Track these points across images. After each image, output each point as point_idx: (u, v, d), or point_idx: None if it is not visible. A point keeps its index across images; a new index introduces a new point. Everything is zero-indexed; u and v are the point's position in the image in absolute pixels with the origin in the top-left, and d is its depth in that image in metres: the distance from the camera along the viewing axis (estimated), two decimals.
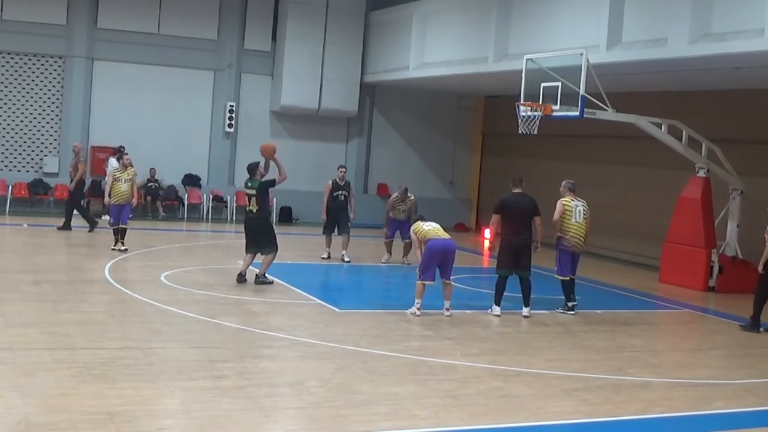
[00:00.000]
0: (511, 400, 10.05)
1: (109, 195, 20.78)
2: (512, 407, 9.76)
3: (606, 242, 26.03)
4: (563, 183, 16.61)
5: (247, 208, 17.32)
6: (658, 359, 13.06)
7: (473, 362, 11.68)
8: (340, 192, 21.03)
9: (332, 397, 9.67)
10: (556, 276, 16.28)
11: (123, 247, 20.13)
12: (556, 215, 16.13)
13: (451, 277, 15.08)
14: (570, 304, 16.23)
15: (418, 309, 14.77)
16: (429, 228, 15.10)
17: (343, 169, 21.62)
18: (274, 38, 30.43)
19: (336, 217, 20.97)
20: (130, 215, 20.98)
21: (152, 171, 28.64)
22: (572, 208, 16.18)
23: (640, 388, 11.01)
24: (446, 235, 15.06)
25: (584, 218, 16.28)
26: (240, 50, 30.14)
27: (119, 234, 20.36)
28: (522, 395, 10.26)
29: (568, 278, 16.20)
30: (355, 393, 9.86)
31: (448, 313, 15.00)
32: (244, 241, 17.15)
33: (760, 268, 15.57)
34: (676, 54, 17.75)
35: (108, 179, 21.54)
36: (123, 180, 20.57)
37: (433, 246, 14.74)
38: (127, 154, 22.28)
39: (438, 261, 14.82)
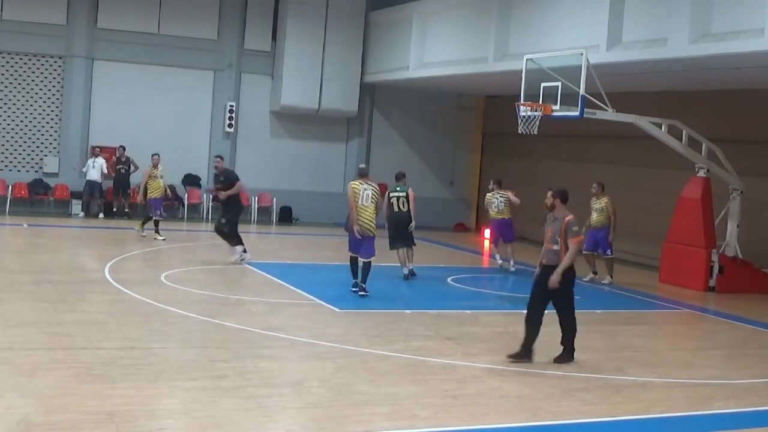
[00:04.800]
0: (511, 400, 10.05)
1: (145, 192, 23.45)
2: (512, 407, 9.76)
3: None
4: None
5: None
6: (658, 359, 13.05)
7: (473, 362, 11.68)
8: None
9: (332, 397, 9.67)
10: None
11: (162, 237, 22.89)
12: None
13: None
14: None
15: None
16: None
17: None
18: (274, 38, 30.43)
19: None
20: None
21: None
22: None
23: (640, 388, 11.01)
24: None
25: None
26: (240, 50, 30.14)
27: (157, 225, 23.10)
28: (522, 395, 10.26)
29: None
30: (355, 393, 9.86)
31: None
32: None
33: None
34: (676, 54, 17.74)
35: (144, 178, 23.75)
36: (158, 176, 23.40)
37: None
38: (157, 154, 24.03)
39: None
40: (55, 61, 28.47)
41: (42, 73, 28.39)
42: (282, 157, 30.38)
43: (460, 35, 25.41)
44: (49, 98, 28.50)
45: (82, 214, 27.66)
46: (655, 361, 12.86)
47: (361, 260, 16.27)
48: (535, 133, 19.21)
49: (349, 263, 16.73)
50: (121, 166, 27.75)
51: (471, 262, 23.79)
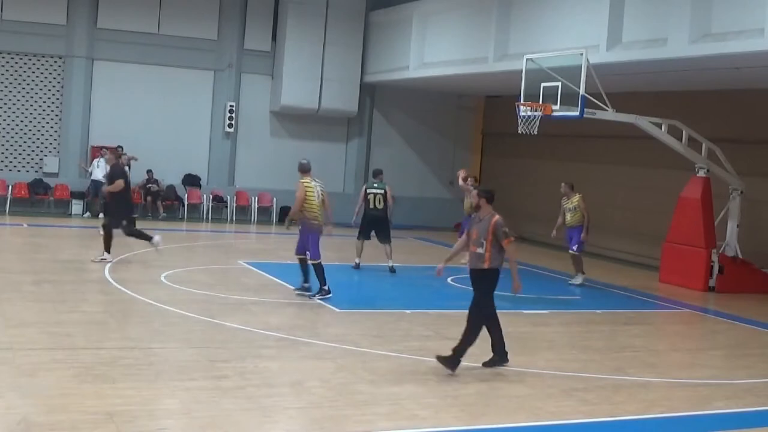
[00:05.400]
0: (511, 400, 10.05)
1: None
2: (512, 407, 9.76)
3: (606, 242, 26.04)
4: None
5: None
6: (658, 359, 13.06)
7: (473, 362, 11.67)
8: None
9: (332, 397, 9.67)
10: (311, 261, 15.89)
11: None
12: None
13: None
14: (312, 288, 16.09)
15: None
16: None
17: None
18: (274, 38, 30.42)
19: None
20: None
21: (149, 173, 28.63)
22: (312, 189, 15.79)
23: (640, 388, 11.01)
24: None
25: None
26: (240, 50, 30.14)
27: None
28: (522, 395, 10.26)
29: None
30: (355, 393, 9.86)
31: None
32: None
33: None
34: (676, 54, 17.74)
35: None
36: None
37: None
38: (125, 153, 23.69)
39: None
40: (55, 61, 28.47)
41: (42, 73, 28.39)
42: (282, 157, 30.36)
43: (460, 35, 25.41)
44: (49, 98, 28.50)
45: (87, 214, 27.65)
46: (655, 361, 12.87)
47: (309, 261, 15.85)
48: (535, 133, 19.22)
49: (317, 271, 15.87)
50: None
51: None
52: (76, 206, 27.73)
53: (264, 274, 18.36)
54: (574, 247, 19.89)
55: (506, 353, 11.49)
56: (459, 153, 33.13)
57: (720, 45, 16.82)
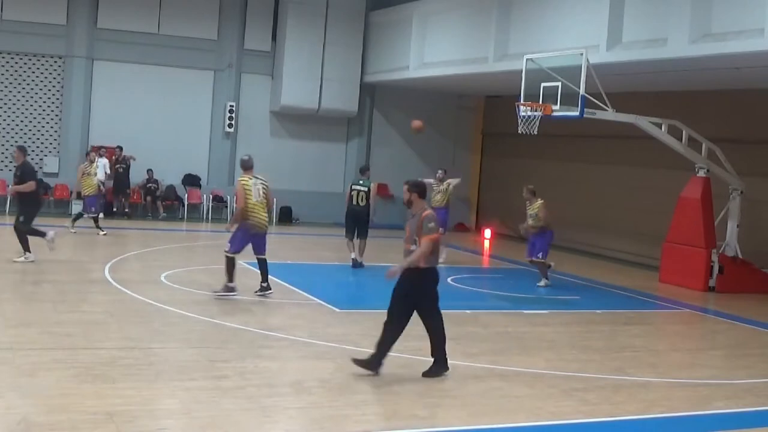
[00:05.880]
0: (511, 400, 10.04)
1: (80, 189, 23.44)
2: (512, 407, 9.76)
3: (606, 242, 26.07)
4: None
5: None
6: (658, 359, 13.06)
7: (473, 362, 11.68)
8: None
9: (332, 397, 9.67)
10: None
11: (104, 232, 23.04)
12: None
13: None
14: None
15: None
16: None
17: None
18: (274, 38, 30.43)
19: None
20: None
21: (149, 172, 28.68)
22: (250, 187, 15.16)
23: (640, 388, 11.00)
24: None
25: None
26: (240, 50, 30.15)
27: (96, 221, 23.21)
28: (522, 395, 10.26)
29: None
30: (355, 393, 9.86)
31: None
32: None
33: None
34: (676, 54, 17.75)
35: (78, 174, 23.59)
36: (92, 173, 23.21)
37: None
38: (93, 152, 24.46)
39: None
40: (55, 61, 28.47)
41: (42, 73, 28.39)
42: (282, 157, 30.37)
43: (460, 35, 25.42)
44: (49, 98, 28.50)
45: (85, 214, 27.63)
46: (655, 361, 12.86)
47: (225, 251, 15.17)
48: (536, 133, 19.21)
49: (227, 265, 15.12)
50: (119, 165, 27.79)
51: (471, 261, 23.79)
52: (76, 206, 27.64)
53: None
54: (539, 255, 19.29)
55: (446, 360, 10.91)
56: (459, 153, 33.13)
57: (720, 45, 16.82)
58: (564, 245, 27.25)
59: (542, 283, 19.35)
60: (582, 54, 18.38)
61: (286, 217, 30.20)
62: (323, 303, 15.43)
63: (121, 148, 28.00)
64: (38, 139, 28.48)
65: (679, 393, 10.94)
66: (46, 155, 28.41)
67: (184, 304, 14.21)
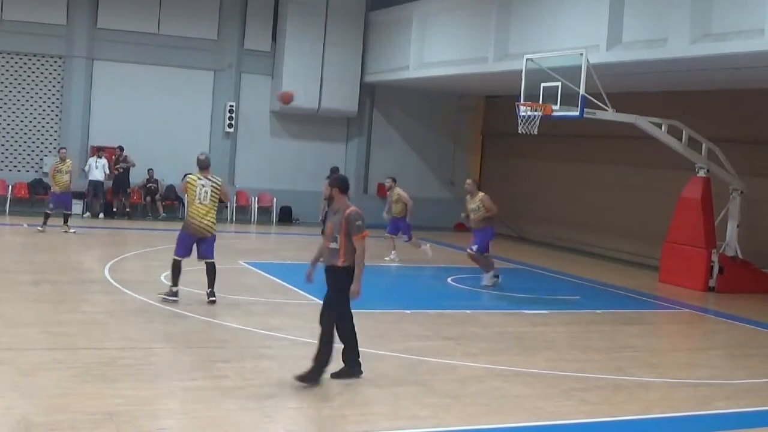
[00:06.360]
0: (511, 400, 10.04)
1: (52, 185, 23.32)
2: (512, 407, 9.75)
3: (605, 242, 26.06)
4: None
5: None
6: (658, 359, 13.05)
7: (473, 362, 11.67)
8: None
9: (332, 397, 9.67)
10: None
11: (72, 230, 23.01)
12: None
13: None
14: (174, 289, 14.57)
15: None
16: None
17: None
18: (274, 38, 30.44)
19: None
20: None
21: (150, 172, 28.73)
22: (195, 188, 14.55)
23: (640, 388, 11.00)
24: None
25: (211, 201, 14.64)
26: (240, 50, 30.16)
27: (65, 218, 23.15)
28: (522, 395, 10.26)
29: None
30: (356, 393, 9.86)
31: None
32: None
33: None
34: (677, 54, 17.75)
35: (51, 171, 23.51)
36: (63, 171, 23.05)
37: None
38: (64, 148, 24.36)
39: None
40: (55, 61, 28.48)
41: (42, 73, 28.41)
42: (282, 157, 30.39)
43: (460, 35, 25.42)
44: (49, 98, 28.51)
45: (87, 214, 27.69)
46: (656, 361, 12.86)
47: (205, 263, 14.64)
48: (536, 133, 19.21)
49: (172, 268, 14.59)
50: (119, 165, 27.81)
51: (470, 262, 23.75)
52: (76, 206, 27.69)
53: (264, 274, 18.34)
54: (473, 247, 18.46)
55: (359, 364, 10.48)
56: (459, 153, 33.14)
57: (720, 45, 16.82)
58: (564, 245, 27.28)
59: (486, 281, 18.56)
60: (582, 54, 18.38)
61: (286, 217, 30.20)
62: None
63: (122, 148, 28.04)
64: (38, 138, 28.49)
65: (680, 393, 10.94)
66: (46, 155, 28.41)
67: (184, 304, 14.20)
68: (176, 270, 14.47)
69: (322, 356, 10.12)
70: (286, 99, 16.30)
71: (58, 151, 24.16)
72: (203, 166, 14.74)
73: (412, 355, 11.83)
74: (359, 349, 10.57)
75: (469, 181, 19.36)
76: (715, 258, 20.23)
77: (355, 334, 10.53)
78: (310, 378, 9.99)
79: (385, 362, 11.42)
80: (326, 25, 30.05)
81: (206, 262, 14.61)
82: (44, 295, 14.60)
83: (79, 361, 10.41)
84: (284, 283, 17.14)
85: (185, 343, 11.96)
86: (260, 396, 9.50)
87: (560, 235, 28.13)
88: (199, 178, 14.59)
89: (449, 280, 19.12)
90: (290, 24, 29.67)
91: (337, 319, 10.35)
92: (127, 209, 28.40)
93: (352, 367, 10.43)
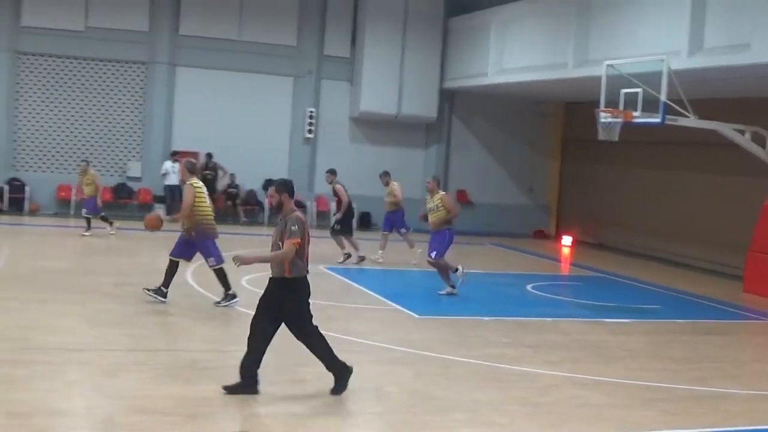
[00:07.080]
0: (591, 409, 9.96)
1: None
2: (592, 416, 9.67)
3: (686, 250, 25.70)
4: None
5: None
6: (741, 371, 12.83)
7: (552, 370, 11.59)
8: None
9: (411, 402, 9.68)
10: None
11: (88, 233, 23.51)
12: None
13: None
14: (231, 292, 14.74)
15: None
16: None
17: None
18: (353, 44, 30.57)
19: None
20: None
21: (231, 177, 29.04)
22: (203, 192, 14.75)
23: (722, 399, 10.83)
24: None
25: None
26: (319, 56, 30.33)
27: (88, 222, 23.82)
28: (601, 404, 10.17)
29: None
30: (434, 399, 9.86)
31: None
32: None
33: None
34: (760, 59, 17.48)
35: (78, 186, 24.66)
36: (85, 183, 23.75)
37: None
38: (84, 161, 24.85)
39: None
40: (138, 68, 28.92)
41: (125, 79, 28.87)
42: (361, 163, 30.46)
43: (539, 41, 25.31)
44: (132, 104, 28.97)
45: (168, 218, 27.98)
46: (738, 372, 12.65)
47: (211, 266, 14.76)
48: (617, 139, 19.05)
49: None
50: (208, 172, 28.08)
51: (550, 269, 23.63)
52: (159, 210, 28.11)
53: (343, 279, 18.43)
54: (433, 254, 17.23)
55: (256, 381, 9.50)
56: (538, 159, 32.94)
57: None
58: (645, 253, 26.97)
59: (445, 291, 17.37)
60: (663, 60, 18.20)
61: (365, 222, 30.26)
62: (402, 309, 15.44)
63: (210, 155, 28.44)
64: (121, 144, 28.96)
65: (763, 405, 10.75)
66: (129, 160, 28.89)
67: None
68: (224, 274, 14.72)
69: (335, 368, 9.79)
70: (153, 223, 16.13)
71: (79, 165, 24.77)
72: (195, 170, 15.19)
73: (491, 362, 11.78)
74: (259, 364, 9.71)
75: (429, 179, 18.23)
76: None
77: (327, 343, 9.88)
78: (339, 390, 9.70)
79: (463, 368, 11.39)
80: (405, 31, 30.12)
81: (176, 260, 15.02)
82: (126, 298, 14.79)
83: (160, 362, 10.55)
84: (363, 288, 17.19)
85: None
86: (339, 401, 9.53)
87: (640, 242, 27.82)
88: (198, 182, 14.94)
89: (529, 287, 19.02)
90: (369, 30, 29.79)
91: (305, 340, 9.85)
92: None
93: (250, 382, 9.48)
